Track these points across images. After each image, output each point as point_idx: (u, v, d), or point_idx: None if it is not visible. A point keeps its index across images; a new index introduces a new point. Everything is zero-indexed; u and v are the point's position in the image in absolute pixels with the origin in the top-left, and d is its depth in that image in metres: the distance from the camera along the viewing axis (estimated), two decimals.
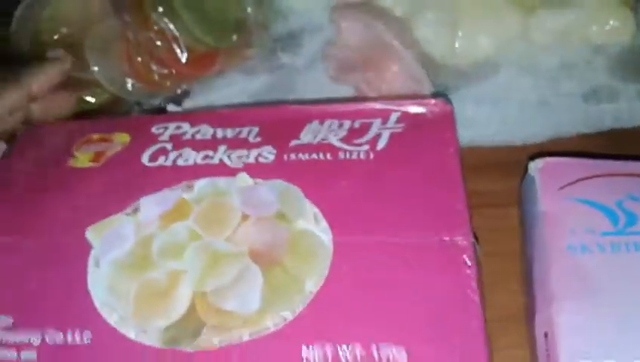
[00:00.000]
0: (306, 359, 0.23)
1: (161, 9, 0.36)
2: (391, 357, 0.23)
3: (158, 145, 0.31)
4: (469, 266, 0.25)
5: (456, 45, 0.38)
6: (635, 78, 0.36)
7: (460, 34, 0.38)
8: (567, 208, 0.27)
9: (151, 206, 0.29)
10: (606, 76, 0.37)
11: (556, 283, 0.25)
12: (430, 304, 0.24)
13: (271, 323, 0.24)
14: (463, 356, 0.23)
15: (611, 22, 0.37)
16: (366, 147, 0.30)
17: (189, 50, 0.37)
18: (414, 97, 0.33)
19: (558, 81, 0.37)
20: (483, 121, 0.36)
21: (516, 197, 0.32)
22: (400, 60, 0.36)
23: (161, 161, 0.31)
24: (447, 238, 0.26)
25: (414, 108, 0.31)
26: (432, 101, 0.31)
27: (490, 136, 0.36)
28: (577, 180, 0.28)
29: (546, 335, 0.24)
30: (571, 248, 0.26)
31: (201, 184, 0.29)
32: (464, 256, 0.25)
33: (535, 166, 0.30)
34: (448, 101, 0.31)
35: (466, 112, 0.36)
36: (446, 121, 0.30)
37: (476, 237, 0.27)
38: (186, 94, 0.38)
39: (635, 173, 0.28)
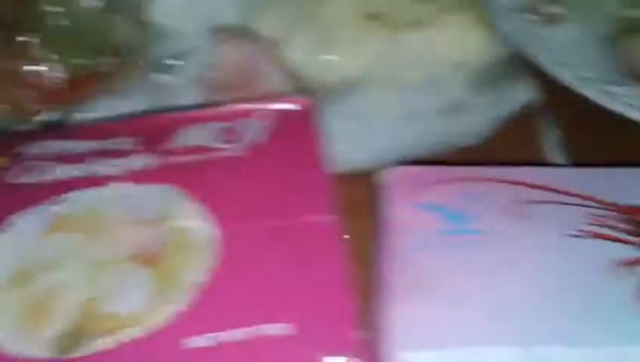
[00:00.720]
0: (195, 349, 0.25)
1: (32, 33, 0.37)
2: (276, 334, 0.25)
3: (27, 163, 0.32)
4: (339, 243, 0.28)
5: (326, 65, 0.40)
6: (488, 92, 0.39)
7: (327, 54, 0.40)
8: (409, 212, 0.29)
9: (25, 223, 0.29)
10: (465, 91, 0.39)
11: (393, 282, 0.26)
12: (307, 279, 0.26)
13: (158, 319, 0.25)
14: (337, 324, 0.25)
15: (469, 40, 0.39)
16: (238, 144, 0.32)
17: (66, 74, 0.38)
18: (279, 96, 0.35)
19: (422, 96, 0.39)
20: (348, 137, 0.38)
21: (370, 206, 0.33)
22: (269, 82, 0.38)
23: (31, 177, 0.31)
24: (313, 218, 0.28)
25: (279, 106, 0.34)
26: (296, 98, 0.34)
27: (353, 151, 0.37)
28: (422, 186, 0.30)
29: (381, 332, 0.26)
30: (408, 248, 0.27)
31: (74, 196, 0.30)
32: (333, 233, 0.28)
33: (384, 174, 0.31)
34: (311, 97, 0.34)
35: (332, 128, 0.38)
36: (309, 113, 0.33)
37: None
38: (62, 118, 0.39)
39: (472, 178, 0.30)
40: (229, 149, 0.32)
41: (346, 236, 0.30)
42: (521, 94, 0.39)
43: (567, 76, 0.33)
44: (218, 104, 0.38)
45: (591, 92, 0.32)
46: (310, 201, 0.29)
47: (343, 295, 0.26)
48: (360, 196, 0.35)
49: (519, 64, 0.39)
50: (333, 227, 0.28)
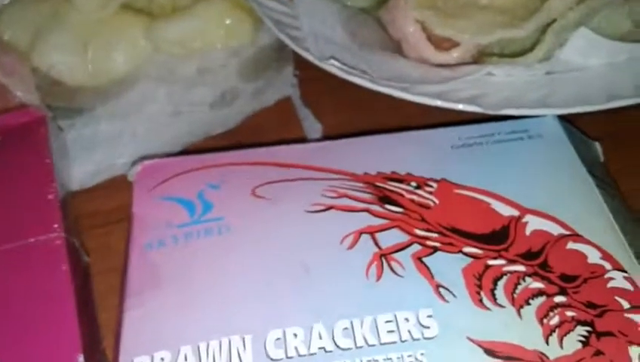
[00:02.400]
0: None
1: None
2: None
3: None
4: (63, 262, 0.26)
5: (88, 66, 0.38)
6: (255, 78, 0.38)
7: (90, 55, 0.38)
8: (153, 207, 0.28)
9: None
10: (236, 78, 0.39)
11: (130, 281, 0.25)
12: (26, 307, 0.24)
13: None
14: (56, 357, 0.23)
15: (229, 25, 0.38)
16: None
17: None
18: (8, 110, 0.33)
19: (193, 88, 0.38)
20: (115, 138, 0.36)
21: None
22: (14, 95, 0.35)
23: None
24: (42, 237, 0.26)
25: (8, 120, 0.32)
26: (24, 110, 0.32)
27: (119, 153, 0.36)
28: (167, 179, 0.29)
29: (117, 337, 0.24)
30: (148, 245, 0.26)
31: None
32: (57, 254, 0.26)
33: (133, 171, 0.30)
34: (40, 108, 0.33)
35: (98, 131, 0.36)
36: (38, 127, 0.31)
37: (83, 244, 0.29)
38: None
39: (218, 164, 0.29)
40: None
41: (86, 258, 0.29)
42: (286, 80, 0.39)
43: (311, 55, 0.33)
44: None
45: (333, 68, 0.32)
46: (36, 221, 0.27)
47: (69, 323, 0.24)
48: (112, 204, 0.33)
49: (284, 50, 0.39)
50: (61, 247, 0.26)
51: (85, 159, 0.36)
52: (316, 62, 0.32)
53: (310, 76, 0.38)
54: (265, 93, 0.39)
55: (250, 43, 0.39)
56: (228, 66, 0.39)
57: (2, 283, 0.25)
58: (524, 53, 0.34)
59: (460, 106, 0.31)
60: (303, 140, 0.35)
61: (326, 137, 0.35)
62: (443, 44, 0.35)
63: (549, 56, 0.34)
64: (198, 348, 0.23)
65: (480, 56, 0.35)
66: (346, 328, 0.23)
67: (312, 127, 0.36)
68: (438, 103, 0.31)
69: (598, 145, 0.32)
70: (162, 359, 0.23)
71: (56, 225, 0.27)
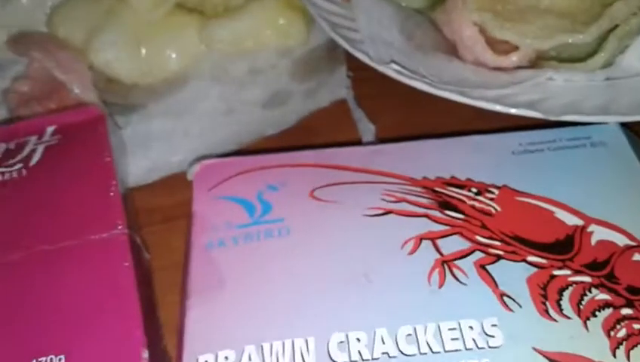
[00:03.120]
0: None
1: None
2: None
3: None
4: (126, 259, 0.26)
5: (142, 64, 0.38)
6: (307, 79, 0.38)
7: (143, 52, 0.38)
8: (212, 207, 0.28)
9: None
10: (287, 79, 0.39)
11: (192, 280, 0.25)
12: (90, 303, 0.24)
13: None
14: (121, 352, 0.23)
15: (282, 25, 0.39)
16: (19, 165, 0.29)
17: None
18: (69, 108, 0.33)
19: (245, 87, 0.38)
20: (169, 135, 0.37)
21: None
22: (73, 92, 0.36)
23: None
24: (105, 235, 0.26)
25: (68, 118, 0.32)
26: (84, 108, 0.32)
27: (174, 151, 0.36)
28: (226, 179, 0.29)
29: (180, 335, 0.24)
30: (210, 244, 0.26)
31: None
32: (121, 250, 0.26)
33: (192, 170, 0.30)
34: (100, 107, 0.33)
35: (152, 129, 0.37)
36: (98, 125, 0.31)
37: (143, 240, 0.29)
38: None
39: (275, 165, 0.29)
40: (10, 173, 0.29)
41: (147, 255, 0.29)
42: (339, 81, 0.39)
43: (369, 58, 0.33)
44: (8, 121, 0.35)
45: (392, 72, 0.32)
46: (100, 218, 0.27)
47: (133, 319, 0.24)
48: (170, 201, 0.34)
49: (336, 50, 0.39)
50: (124, 244, 0.26)
51: (141, 156, 0.36)
52: (375, 65, 0.32)
53: (363, 77, 0.38)
54: (318, 94, 0.39)
55: (302, 43, 0.39)
56: (279, 66, 0.39)
57: (67, 279, 0.25)
58: (584, 59, 0.34)
59: (520, 111, 0.30)
60: (357, 142, 0.35)
61: (381, 140, 0.35)
62: (501, 47, 0.34)
63: (610, 63, 0.33)
64: (262, 348, 0.23)
65: (537, 61, 0.35)
66: (409, 334, 0.23)
67: (366, 128, 0.35)
68: (497, 108, 0.31)
69: None
70: (226, 357, 0.23)
71: (119, 222, 0.27)
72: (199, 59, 0.38)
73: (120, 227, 0.27)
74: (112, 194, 0.28)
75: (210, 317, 0.24)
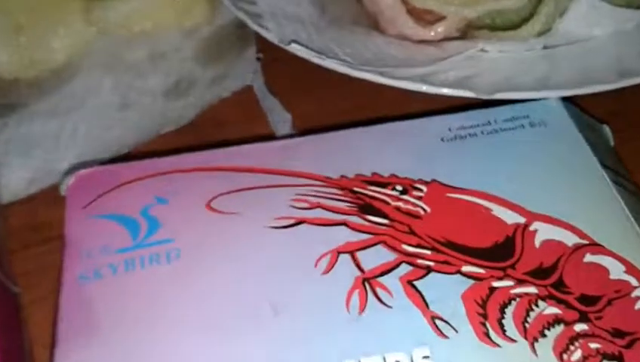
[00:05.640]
0: None
1: None
2: None
3: None
4: None
5: (22, 55, 0.33)
6: (214, 63, 0.34)
7: (23, 41, 0.33)
8: (87, 228, 0.23)
9: None
10: (192, 64, 0.34)
11: (61, 323, 0.21)
12: None
13: None
14: None
15: (183, 2, 0.34)
16: None
17: None
18: None
19: (144, 76, 0.33)
20: (54, 139, 0.31)
21: None
22: None
23: None
24: None
25: None
26: None
27: (60, 157, 0.31)
28: (106, 192, 0.24)
29: None
30: (84, 276, 0.22)
31: None
32: None
33: (65, 183, 0.25)
34: None
35: (34, 131, 0.31)
36: None
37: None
38: None
39: (166, 171, 0.24)
40: None
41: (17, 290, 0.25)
42: (248, 66, 0.34)
43: (271, 36, 0.28)
44: None
45: (300, 51, 0.27)
46: None
47: None
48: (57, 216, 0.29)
49: (245, 29, 0.34)
50: None
51: (19, 165, 0.31)
52: (278, 43, 0.28)
53: (276, 57, 0.33)
54: (225, 81, 0.34)
55: (207, 22, 0.34)
56: (183, 49, 0.34)
57: None
58: (518, 25, 0.30)
59: (449, 91, 0.26)
60: (270, 136, 0.30)
61: (298, 132, 0.30)
62: (426, 17, 0.30)
63: (547, 28, 0.30)
64: None
65: (468, 31, 0.31)
66: None
67: (281, 118, 0.31)
68: (424, 89, 0.27)
69: (607, 129, 0.27)
70: None
71: None
72: (89, 47, 0.33)
73: None
74: None
75: None
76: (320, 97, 0.32)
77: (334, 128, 0.27)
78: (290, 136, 0.30)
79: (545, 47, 0.30)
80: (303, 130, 0.29)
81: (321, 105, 0.32)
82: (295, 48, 0.27)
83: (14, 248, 0.28)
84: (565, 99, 0.27)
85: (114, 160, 0.31)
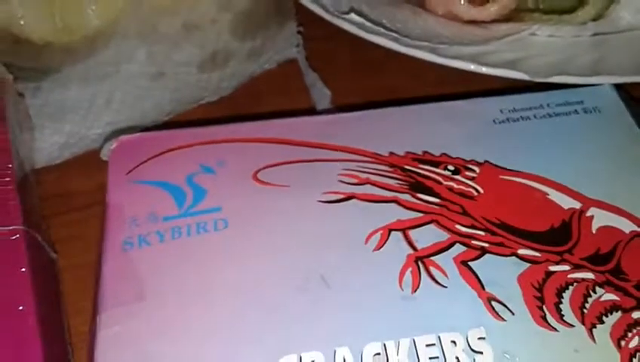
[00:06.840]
0: None
1: None
2: None
3: None
4: (22, 264, 0.21)
5: (56, 20, 0.32)
6: (252, 36, 0.33)
7: (58, 7, 0.32)
8: (132, 194, 0.23)
9: None
10: (228, 36, 0.34)
11: (105, 290, 0.20)
12: None
13: None
14: None
15: None
16: None
17: None
18: None
19: (179, 47, 0.33)
20: (87, 105, 0.31)
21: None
22: None
23: None
24: None
25: None
26: None
27: (93, 123, 0.30)
28: (149, 158, 0.24)
29: (91, 355, 0.19)
30: (128, 243, 0.21)
31: None
32: (17, 252, 0.21)
33: (107, 148, 0.25)
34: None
35: (67, 97, 0.31)
36: None
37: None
38: None
39: (212, 140, 0.24)
40: None
41: (54, 254, 0.24)
42: (288, 39, 0.33)
43: (323, 9, 0.28)
44: None
45: (350, 25, 0.27)
46: None
47: (30, 345, 0.19)
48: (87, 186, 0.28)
49: (284, 2, 0.34)
50: (19, 245, 0.21)
51: (53, 130, 0.30)
52: (329, 17, 0.27)
53: (316, 35, 0.32)
54: (264, 54, 0.33)
55: None
56: (219, 21, 0.34)
57: None
58: (569, 10, 0.29)
59: (503, 72, 0.26)
60: (310, 111, 0.30)
61: (337, 108, 0.30)
62: None
63: (600, 15, 0.29)
64: None
65: (517, 13, 0.30)
66: (377, 353, 0.18)
67: (321, 94, 0.30)
68: (472, 68, 0.26)
69: None
70: None
71: (13, 217, 0.22)
72: (124, 15, 0.33)
73: (14, 222, 0.22)
74: (7, 179, 0.23)
75: (124, 339, 0.19)
76: (360, 76, 0.31)
77: (373, 106, 0.26)
78: (332, 111, 0.29)
79: (594, 35, 0.29)
80: (344, 106, 0.29)
81: (361, 84, 0.31)
82: (352, 20, 0.26)
83: (46, 214, 0.28)
84: (618, 88, 0.26)
85: (149, 128, 0.30)
